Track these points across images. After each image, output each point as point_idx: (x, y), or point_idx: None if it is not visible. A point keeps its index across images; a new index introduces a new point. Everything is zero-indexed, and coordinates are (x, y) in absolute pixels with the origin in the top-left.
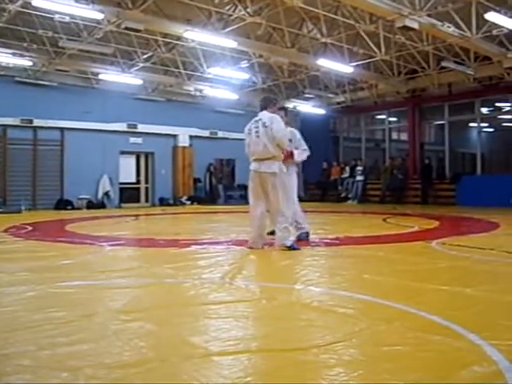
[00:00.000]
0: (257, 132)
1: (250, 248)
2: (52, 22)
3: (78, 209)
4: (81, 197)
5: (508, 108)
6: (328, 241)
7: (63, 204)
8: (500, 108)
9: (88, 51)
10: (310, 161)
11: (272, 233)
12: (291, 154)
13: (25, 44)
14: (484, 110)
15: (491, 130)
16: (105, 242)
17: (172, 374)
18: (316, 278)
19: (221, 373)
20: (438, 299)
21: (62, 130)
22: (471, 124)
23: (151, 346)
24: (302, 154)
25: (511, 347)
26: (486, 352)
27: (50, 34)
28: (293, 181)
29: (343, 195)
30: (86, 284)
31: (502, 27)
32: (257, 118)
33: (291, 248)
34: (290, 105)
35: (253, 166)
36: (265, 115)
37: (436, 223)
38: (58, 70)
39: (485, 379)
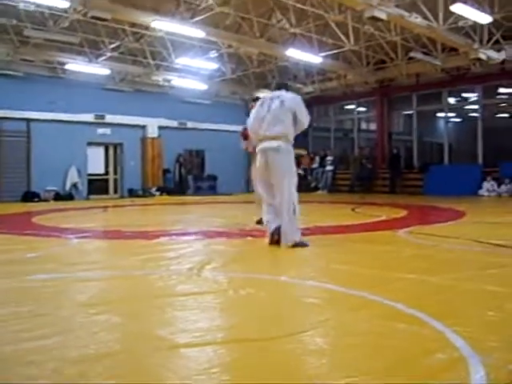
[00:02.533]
0: (269, 107)
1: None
2: (16, 10)
3: (46, 201)
4: (48, 188)
5: (474, 98)
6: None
7: (30, 196)
8: (467, 98)
9: (54, 40)
10: None
11: (259, 222)
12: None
13: None
14: (451, 101)
15: (458, 120)
16: (72, 235)
17: (138, 367)
18: (283, 268)
19: (187, 364)
20: (404, 288)
21: (28, 120)
22: (439, 114)
23: (117, 338)
24: None
25: (473, 334)
26: (450, 339)
27: (15, 22)
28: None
29: (313, 185)
30: (53, 277)
31: (468, 19)
32: (275, 95)
33: (299, 244)
34: (259, 95)
35: (260, 145)
36: (285, 94)
37: (404, 212)
38: (23, 59)
39: (447, 366)
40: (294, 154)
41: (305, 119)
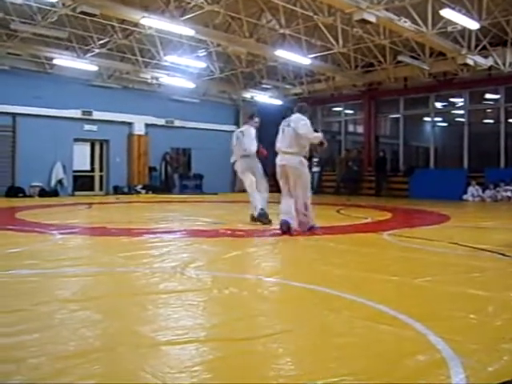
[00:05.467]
0: (283, 130)
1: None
2: (3, 3)
3: (30, 196)
4: (33, 184)
5: (461, 103)
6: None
7: (14, 191)
8: (453, 103)
9: (42, 35)
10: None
11: (254, 219)
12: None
13: None
14: (438, 105)
15: (445, 124)
16: (56, 231)
17: (117, 364)
18: (268, 269)
19: (167, 362)
20: (387, 289)
21: (13, 115)
22: (425, 118)
23: (98, 335)
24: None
25: (455, 336)
26: (431, 341)
27: (1, 15)
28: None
29: None
30: (35, 273)
31: (456, 24)
32: (287, 119)
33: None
34: (247, 95)
35: (277, 158)
36: (293, 117)
37: (388, 215)
38: (9, 53)
39: (428, 367)
40: None
41: (302, 131)
